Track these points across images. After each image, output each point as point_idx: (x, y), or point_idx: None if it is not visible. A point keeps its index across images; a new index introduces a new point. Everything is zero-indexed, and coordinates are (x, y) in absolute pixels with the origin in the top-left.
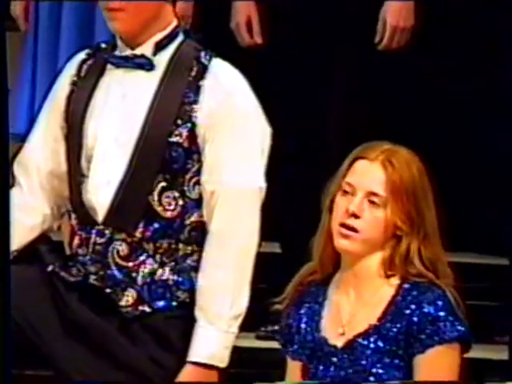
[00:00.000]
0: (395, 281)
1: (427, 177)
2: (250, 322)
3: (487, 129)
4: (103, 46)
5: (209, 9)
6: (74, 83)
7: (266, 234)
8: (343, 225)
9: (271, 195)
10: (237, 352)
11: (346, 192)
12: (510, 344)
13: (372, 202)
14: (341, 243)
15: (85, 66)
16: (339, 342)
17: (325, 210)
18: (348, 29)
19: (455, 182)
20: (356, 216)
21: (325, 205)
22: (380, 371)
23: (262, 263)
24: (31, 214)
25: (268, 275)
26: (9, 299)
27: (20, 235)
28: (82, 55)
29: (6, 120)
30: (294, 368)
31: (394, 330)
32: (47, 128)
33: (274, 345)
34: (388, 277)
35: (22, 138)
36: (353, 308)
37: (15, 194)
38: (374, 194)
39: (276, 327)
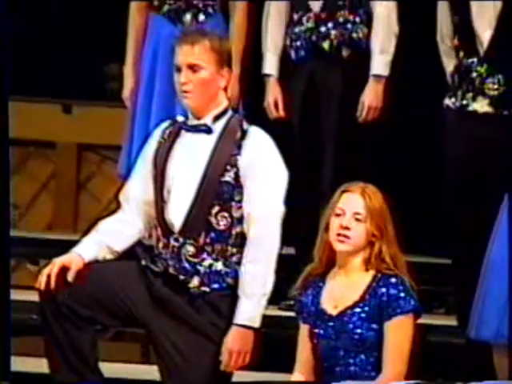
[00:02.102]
0: (372, 272)
1: (386, 202)
2: (274, 298)
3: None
4: (179, 118)
5: (249, 94)
6: (159, 142)
7: (285, 240)
8: (339, 234)
9: (289, 215)
10: (266, 318)
11: (338, 214)
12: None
13: (357, 219)
14: (339, 246)
15: (167, 131)
16: (334, 312)
17: (322, 229)
18: (335, 109)
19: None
20: (348, 228)
21: (322, 226)
22: (360, 331)
23: (282, 260)
24: (130, 227)
25: (286, 268)
26: (8, 299)
27: (123, 241)
28: (165, 124)
29: (6, 121)
30: (303, 329)
31: (371, 304)
32: (141, 172)
33: (291, 314)
34: (367, 270)
35: (124, 176)
36: (343, 290)
37: (120, 214)
38: (358, 214)
39: (291, 302)
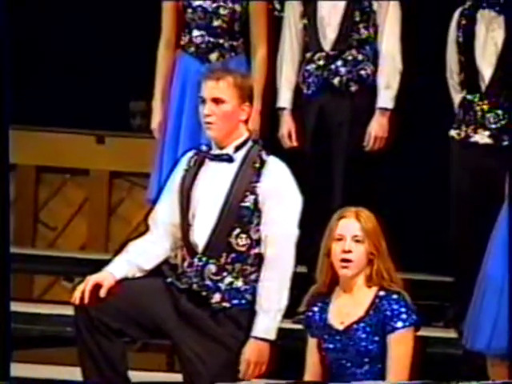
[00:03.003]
0: (374, 289)
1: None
2: (289, 313)
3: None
4: (203, 148)
5: (266, 126)
6: (186, 170)
7: (298, 259)
8: (343, 260)
9: (302, 236)
10: (281, 330)
11: (338, 239)
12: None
13: (356, 241)
14: (343, 271)
15: (192, 160)
16: (341, 327)
17: (324, 255)
18: (344, 139)
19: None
20: (350, 251)
21: (323, 252)
22: (365, 344)
23: (296, 278)
24: (158, 248)
25: (299, 286)
26: (8, 299)
27: (151, 261)
28: (190, 153)
29: (7, 124)
30: (312, 343)
31: (374, 319)
32: (169, 197)
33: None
34: (369, 287)
35: (153, 201)
36: (348, 307)
37: (148, 236)
38: (356, 236)
39: (302, 317)
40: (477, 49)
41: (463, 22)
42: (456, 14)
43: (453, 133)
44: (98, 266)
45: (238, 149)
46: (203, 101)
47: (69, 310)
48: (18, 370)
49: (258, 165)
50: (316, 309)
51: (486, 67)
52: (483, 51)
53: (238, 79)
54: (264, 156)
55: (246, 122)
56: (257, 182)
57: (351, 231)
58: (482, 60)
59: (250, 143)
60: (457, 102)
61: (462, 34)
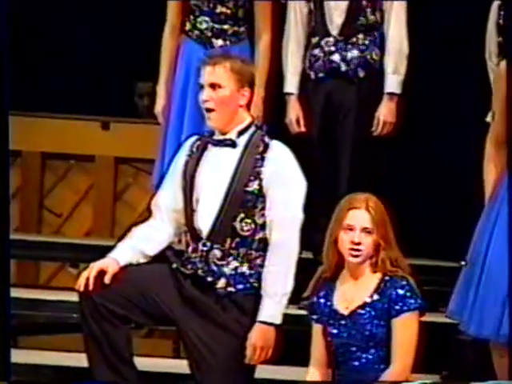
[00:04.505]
0: (379, 275)
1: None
2: (293, 298)
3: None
4: (206, 134)
5: (272, 111)
6: (188, 155)
7: (304, 245)
8: (352, 249)
9: (307, 221)
10: (287, 316)
11: (347, 230)
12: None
13: (366, 232)
14: (352, 259)
15: (195, 145)
16: (346, 312)
17: (329, 243)
18: (351, 124)
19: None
20: (359, 243)
21: (329, 239)
22: (370, 328)
23: (302, 264)
24: (161, 233)
25: (305, 271)
26: (8, 299)
27: (155, 246)
28: (193, 138)
29: (7, 126)
30: (317, 329)
31: (379, 304)
32: (172, 182)
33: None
34: (374, 272)
35: (156, 186)
36: (353, 292)
37: (152, 221)
38: (366, 228)
39: (307, 302)
40: None
41: (504, 4)
42: None
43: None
44: (104, 252)
45: (240, 134)
46: (201, 87)
47: (74, 297)
48: (23, 356)
49: (261, 149)
50: (321, 294)
51: None
52: None
53: (236, 64)
54: (267, 140)
55: (248, 107)
56: (260, 166)
57: (361, 223)
58: None
59: (252, 128)
60: None
61: (503, 16)
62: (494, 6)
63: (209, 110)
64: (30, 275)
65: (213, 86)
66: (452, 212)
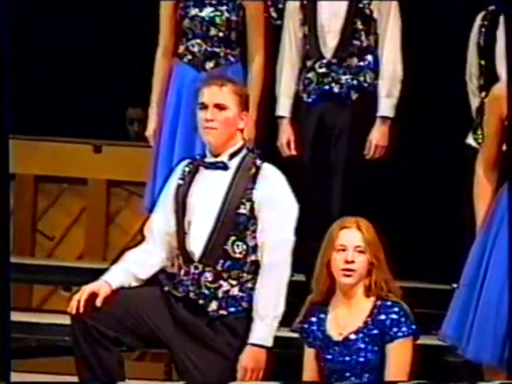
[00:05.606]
0: (372, 299)
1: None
2: (285, 321)
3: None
4: (198, 157)
5: (263, 135)
6: (180, 179)
7: (296, 267)
8: (345, 269)
9: (300, 244)
10: (279, 338)
11: (340, 250)
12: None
13: (358, 252)
14: (345, 280)
15: (187, 169)
16: (339, 338)
17: (323, 264)
18: (343, 147)
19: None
20: (353, 262)
21: (322, 261)
22: (364, 354)
23: (293, 286)
24: (154, 257)
25: (297, 293)
26: (9, 299)
27: (147, 270)
28: (184, 162)
29: (7, 128)
30: (309, 352)
31: (373, 330)
32: (164, 206)
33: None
34: (367, 296)
35: (148, 209)
36: (347, 318)
37: (144, 245)
38: (359, 247)
39: (299, 325)
40: (498, 53)
41: (485, 25)
42: (478, 18)
43: (470, 139)
44: (96, 275)
45: (232, 156)
46: (204, 107)
47: (66, 320)
48: (16, 379)
49: (253, 171)
50: (314, 319)
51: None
52: (503, 54)
53: (237, 87)
54: (259, 163)
55: (242, 130)
56: (252, 188)
57: (353, 242)
58: (502, 65)
59: (244, 151)
60: (474, 106)
61: (484, 37)
62: (475, 27)
63: (210, 129)
64: (23, 298)
65: (218, 106)
66: (441, 235)
